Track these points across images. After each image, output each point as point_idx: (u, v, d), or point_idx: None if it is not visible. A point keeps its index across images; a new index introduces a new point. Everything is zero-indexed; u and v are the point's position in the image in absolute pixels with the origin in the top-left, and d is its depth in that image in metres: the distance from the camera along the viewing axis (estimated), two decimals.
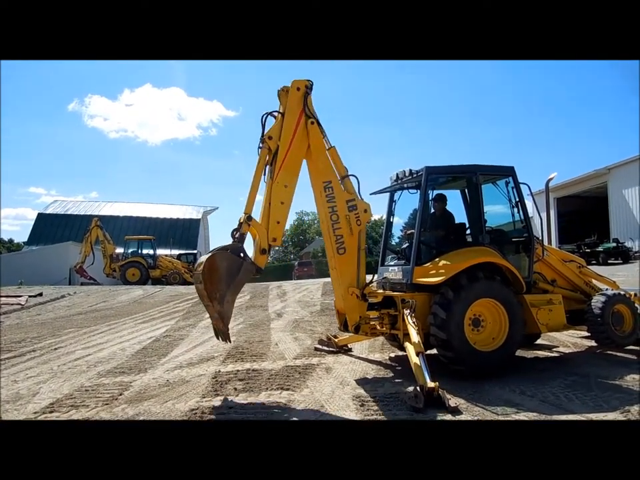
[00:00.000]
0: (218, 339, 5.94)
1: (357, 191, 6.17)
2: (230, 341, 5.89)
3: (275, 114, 5.93)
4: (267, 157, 5.80)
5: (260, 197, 5.80)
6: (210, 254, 5.37)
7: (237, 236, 5.53)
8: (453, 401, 4.78)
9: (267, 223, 5.65)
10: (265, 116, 5.87)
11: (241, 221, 5.58)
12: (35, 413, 4.99)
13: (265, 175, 5.84)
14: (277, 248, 76.88)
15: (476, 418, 4.49)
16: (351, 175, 6.19)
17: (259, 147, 5.83)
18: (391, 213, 7.57)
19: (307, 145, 6.00)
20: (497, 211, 7.10)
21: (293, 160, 5.84)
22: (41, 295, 18.58)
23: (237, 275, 5.33)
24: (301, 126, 5.89)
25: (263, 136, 5.80)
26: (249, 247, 5.71)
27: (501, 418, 4.43)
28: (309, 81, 5.97)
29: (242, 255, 5.44)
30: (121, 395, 5.57)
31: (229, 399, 5.24)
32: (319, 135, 6.01)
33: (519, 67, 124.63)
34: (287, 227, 76.44)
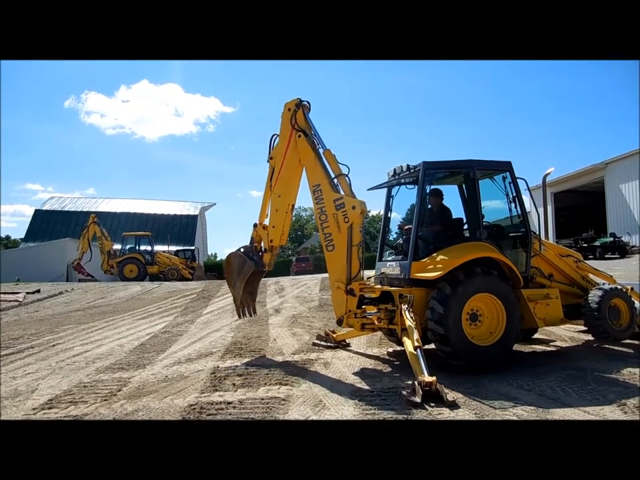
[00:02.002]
0: (240, 317, 7.69)
1: (349, 189, 6.32)
2: (240, 317, 7.62)
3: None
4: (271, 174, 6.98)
5: None
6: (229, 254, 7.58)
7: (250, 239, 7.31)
8: (451, 395, 4.80)
9: (267, 228, 7.09)
10: (272, 137, 7.04)
11: None
12: (34, 409, 5.00)
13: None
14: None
15: (474, 411, 4.51)
16: (342, 175, 6.41)
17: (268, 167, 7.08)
18: (388, 208, 7.58)
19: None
20: (494, 206, 7.12)
21: (286, 172, 6.82)
22: (38, 291, 18.55)
23: (243, 269, 7.08)
24: (292, 143, 6.73)
25: (268, 156, 7.05)
26: None
27: (499, 417, 4.41)
28: (298, 99, 6.78)
29: (250, 254, 7.21)
30: (119, 390, 5.58)
31: (228, 395, 5.25)
32: (305, 146, 6.63)
33: (517, 62, 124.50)
34: None
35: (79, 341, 9.10)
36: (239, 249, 7.37)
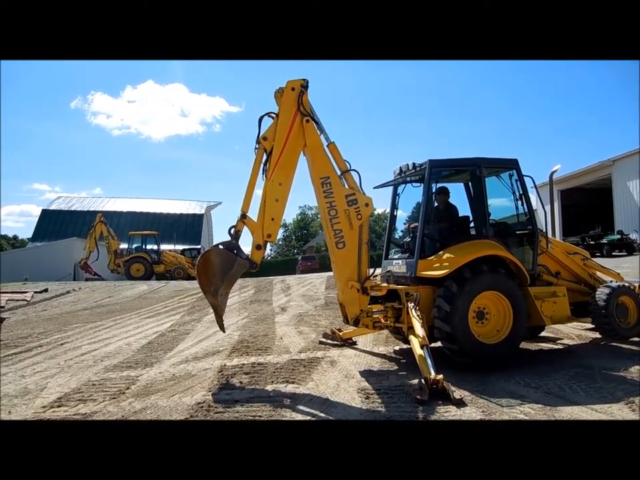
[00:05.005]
0: (223, 331, 6.52)
1: (358, 185, 6.17)
2: (224, 330, 6.45)
3: (273, 115, 6.09)
4: (263, 157, 6.01)
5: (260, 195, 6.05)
6: (205, 251, 5.86)
7: (232, 233, 5.90)
8: (458, 393, 4.80)
9: (262, 220, 5.91)
10: (262, 117, 6.07)
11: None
12: (44, 407, 5.05)
13: (263, 174, 6.04)
14: (280, 243, 77.23)
15: (481, 409, 4.50)
16: (351, 170, 6.19)
17: (255, 148, 6.04)
18: (394, 206, 7.57)
19: (303, 144, 6.12)
20: (500, 204, 7.09)
21: (287, 158, 5.99)
22: (46, 290, 18.67)
23: (230, 270, 5.71)
24: (296, 125, 6.03)
25: (258, 137, 6.01)
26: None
27: (506, 415, 4.39)
28: (304, 80, 6.06)
29: (235, 251, 5.79)
30: (128, 389, 5.62)
31: (235, 393, 5.28)
32: (314, 132, 6.10)
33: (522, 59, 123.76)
34: (290, 221, 77.35)
35: (87, 339, 9.16)
36: (217, 245, 6.00)
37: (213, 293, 5.85)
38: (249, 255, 5.95)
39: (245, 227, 5.95)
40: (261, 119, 6.07)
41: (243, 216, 5.90)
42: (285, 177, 6.03)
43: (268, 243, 6.06)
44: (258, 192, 6.08)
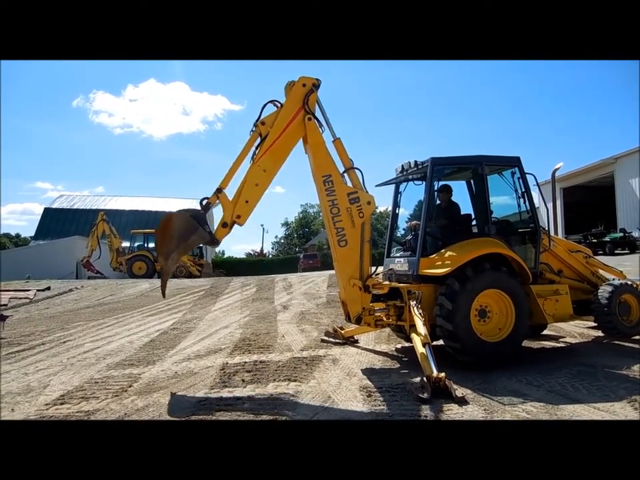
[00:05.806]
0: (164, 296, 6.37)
1: (361, 183, 6.15)
2: (164, 296, 6.32)
3: (278, 104, 6.08)
4: (256, 142, 5.97)
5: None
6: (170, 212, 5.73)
7: (203, 204, 5.81)
8: (460, 392, 4.81)
9: (236, 200, 5.81)
10: (265, 104, 6.04)
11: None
12: (47, 404, 5.06)
13: (252, 157, 5.97)
14: (282, 241, 77.29)
15: (483, 407, 4.50)
16: (354, 168, 6.18)
17: (251, 131, 6.01)
18: (396, 204, 7.56)
19: (299, 139, 6.12)
20: (502, 202, 7.08)
21: (280, 148, 5.96)
22: (49, 288, 18.71)
23: (189, 239, 5.58)
24: (297, 119, 6.01)
25: (257, 120, 5.97)
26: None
27: (508, 413, 4.39)
28: (317, 79, 6.08)
29: (200, 221, 5.63)
30: (130, 386, 5.63)
31: (237, 391, 5.28)
32: (316, 130, 6.08)
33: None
34: (292, 219, 77.34)
35: (89, 337, 9.17)
36: (184, 210, 5.81)
37: (165, 255, 5.65)
38: (214, 230, 5.84)
39: (218, 202, 5.85)
40: (264, 106, 6.04)
41: (219, 190, 5.81)
42: (272, 165, 5.98)
43: (236, 224, 5.90)
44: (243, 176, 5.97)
